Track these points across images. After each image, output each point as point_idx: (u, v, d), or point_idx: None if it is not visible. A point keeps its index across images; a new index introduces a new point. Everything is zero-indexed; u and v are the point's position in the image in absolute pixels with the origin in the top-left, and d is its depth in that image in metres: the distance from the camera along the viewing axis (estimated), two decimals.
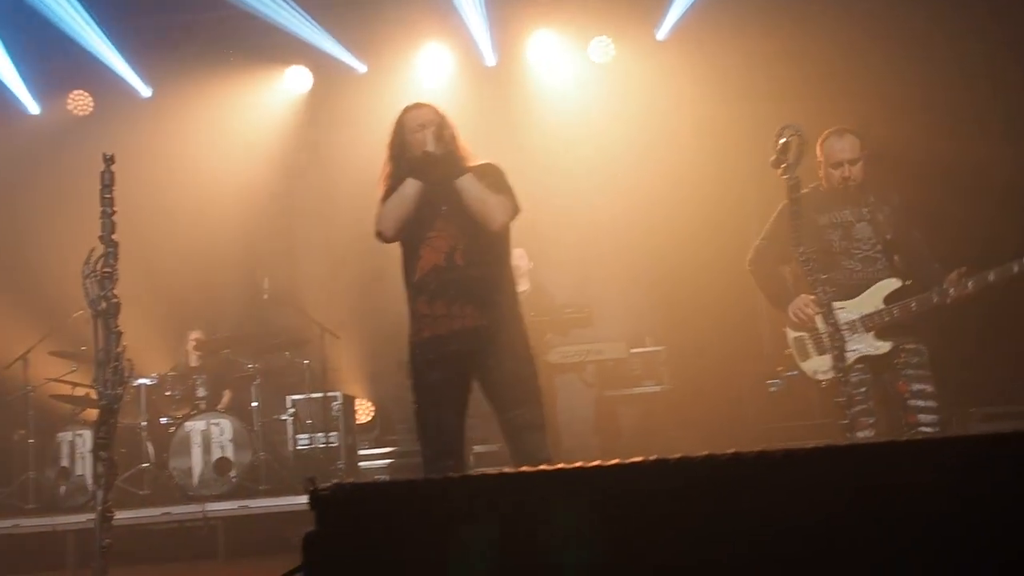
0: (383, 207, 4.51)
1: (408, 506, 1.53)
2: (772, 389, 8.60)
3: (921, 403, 5.36)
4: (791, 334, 5.74)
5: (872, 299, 5.48)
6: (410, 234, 4.50)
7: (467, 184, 4.43)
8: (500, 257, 4.57)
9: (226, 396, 9.07)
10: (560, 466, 1.52)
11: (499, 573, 1.50)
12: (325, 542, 1.51)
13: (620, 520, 1.48)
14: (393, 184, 4.57)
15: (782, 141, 4.83)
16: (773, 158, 4.88)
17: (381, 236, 4.54)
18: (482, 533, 1.48)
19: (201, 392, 8.88)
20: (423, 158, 4.44)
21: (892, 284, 5.48)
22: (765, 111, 8.86)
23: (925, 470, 1.64)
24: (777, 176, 4.91)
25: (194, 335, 9.17)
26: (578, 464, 1.52)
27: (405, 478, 1.68)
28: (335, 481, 1.52)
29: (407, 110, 4.72)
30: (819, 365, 5.52)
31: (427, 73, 10.05)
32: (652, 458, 1.52)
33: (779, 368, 8.17)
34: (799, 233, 4.87)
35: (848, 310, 5.43)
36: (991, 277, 5.26)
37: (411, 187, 4.42)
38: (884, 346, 5.45)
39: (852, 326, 5.43)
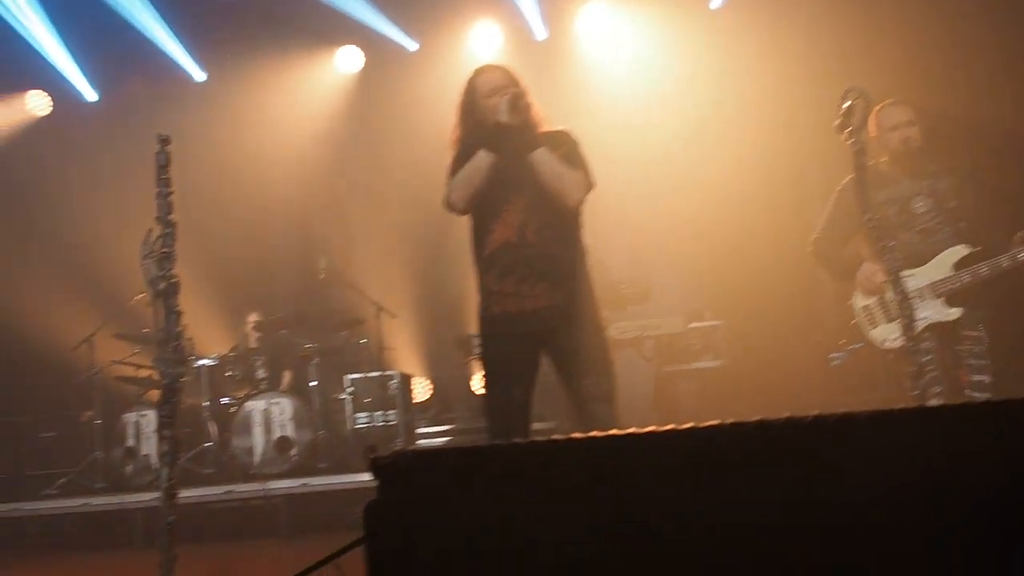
0: (454, 178, 4.37)
1: (469, 473, 1.52)
2: (834, 363, 8.52)
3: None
4: (858, 303, 5.73)
5: (941, 266, 5.45)
6: (482, 207, 4.37)
7: (542, 159, 4.28)
8: (573, 232, 4.44)
9: (286, 376, 9.16)
10: (625, 431, 1.50)
11: (561, 538, 1.48)
12: (387, 511, 1.51)
13: (677, 484, 1.45)
14: (462, 150, 4.44)
15: (846, 104, 4.72)
16: (837, 122, 4.77)
17: (452, 208, 4.42)
18: (543, 499, 1.47)
19: (261, 372, 8.97)
20: (496, 130, 4.29)
21: (961, 251, 5.42)
22: (824, 78, 8.72)
23: (985, 435, 1.60)
24: (841, 142, 4.81)
25: (252, 317, 9.26)
26: (646, 428, 1.50)
27: (466, 445, 1.66)
28: (396, 449, 1.51)
29: (479, 72, 4.55)
30: (888, 333, 5.52)
31: (477, 49, 10.00)
32: (723, 422, 1.49)
33: (842, 341, 8.06)
34: (866, 200, 4.76)
35: (917, 277, 5.41)
36: None
37: (484, 160, 4.27)
38: (954, 312, 5.41)
39: (920, 293, 5.41)
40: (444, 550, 1.50)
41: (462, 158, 4.41)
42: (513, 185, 4.33)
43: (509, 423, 4.23)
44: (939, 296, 5.42)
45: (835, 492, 1.54)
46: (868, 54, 8.59)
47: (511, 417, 4.26)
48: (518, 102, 4.28)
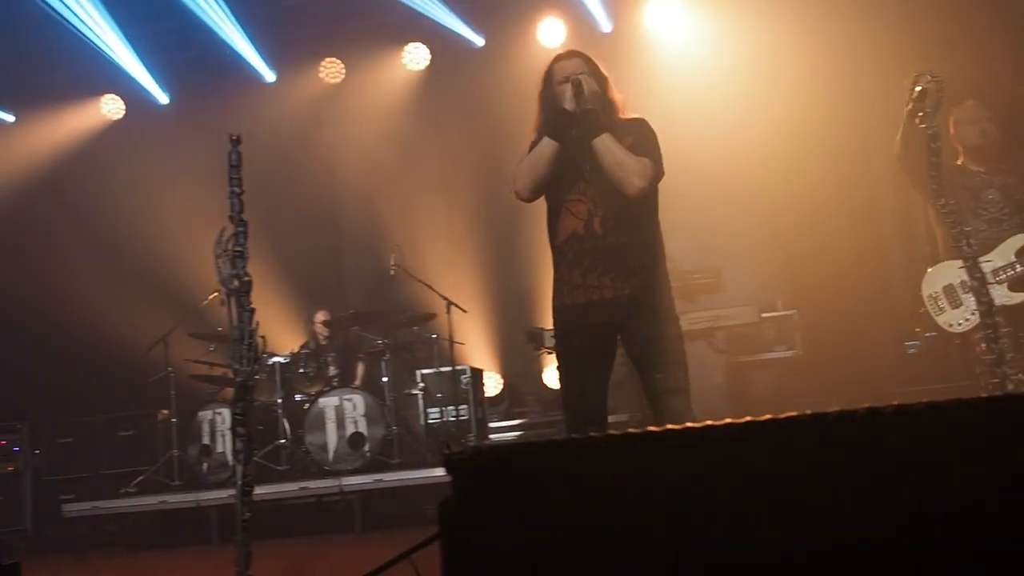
0: (519, 166, 4.34)
1: (546, 468, 1.48)
2: (911, 351, 8.42)
3: None
4: (926, 292, 5.87)
5: (1005, 253, 5.55)
6: (552, 194, 4.33)
7: (603, 146, 4.18)
8: (642, 221, 4.32)
9: (359, 372, 9.22)
10: (702, 423, 1.45)
11: (639, 533, 1.44)
12: (461, 507, 1.47)
13: (757, 477, 1.40)
14: (536, 138, 4.40)
15: (918, 88, 4.63)
16: (909, 107, 4.70)
17: (517, 195, 4.36)
18: (622, 493, 1.43)
19: (333, 369, 9.03)
20: (559, 117, 4.25)
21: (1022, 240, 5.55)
22: (897, 62, 8.54)
23: None
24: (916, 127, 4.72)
25: (320, 315, 9.31)
26: (724, 420, 1.45)
27: (542, 440, 1.64)
28: (471, 444, 1.47)
29: (556, 59, 4.48)
30: (953, 318, 5.73)
31: (543, 44, 9.94)
32: (802, 413, 1.44)
33: (917, 329, 7.93)
34: (940, 185, 4.67)
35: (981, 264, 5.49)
36: None
37: (547, 147, 4.24)
38: (1018, 296, 5.50)
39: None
40: (521, 546, 1.46)
41: (533, 143, 4.38)
42: (583, 173, 4.28)
43: (585, 416, 4.19)
44: (1001, 283, 5.50)
45: (923, 484, 1.47)
46: (939, 37, 8.39)
47: (586, 409, 4.22)
48: (581, 89, 4.21)
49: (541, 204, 4.51)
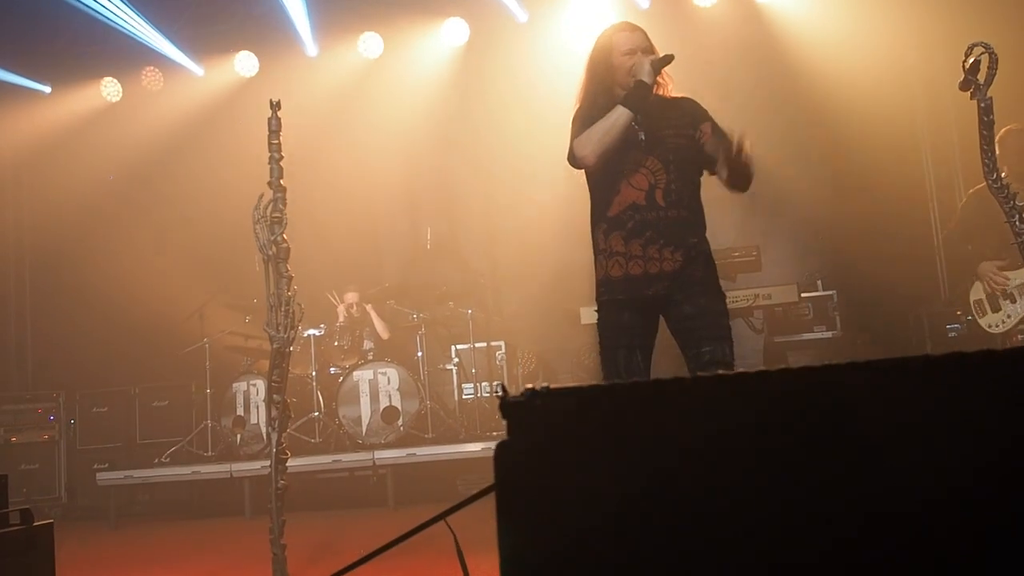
0: (586, 133, 4.19)
1: (602, 411, 1.42)
2: (952, 334, 8.29)
3: None
4: (972, 297, 6.66)
5: None
6: (608, 165, 4.23)
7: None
8: (697, 196, 4.31)
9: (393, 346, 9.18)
10: (758, 370, 1.38)
11: (692, 476, 1.38)
12: (517, 451, 1.42)
13: (818, 424, 1.34)
14: (588, 106, 4.32)
15: (971, 61, 4.52)
16: (962, 79, 4.58)
17: (580, 162, 4.23)
18: (684, 438, 1.37)
19: (367, 343, 9.01)
20: (639, 89, 4.16)
21: None
22: (942, 41, 8.39)
23: None
24: (959, 104, 4.64)
25: (350, 296, 9.25)
26: (778, 367, 1.38)
27: (602, 383, 1.59)
28: (528, 387, 1.41)
29: (618, 30, 4.39)
30: (993, 320, 6.53)
31: (583, 20, 9.82)
32: (858, 360, 1.38)
33: (958, 312, 7.82)
34: (992, 160, 4.56)
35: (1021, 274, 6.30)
36: None
37: (623, 117, 4.13)
38: None
39: (1020, 290, 6.34)
40: (576, 490, 1.40)
41: (589, 113, 4.29)
42: (640, 144, 4.22)
43: None
44: None
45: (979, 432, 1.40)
46: (983, 12, 8.23)
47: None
48: (662, 65, 4.19)
49: (578, 180, 4.46)
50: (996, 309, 6.53)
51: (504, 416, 1.42)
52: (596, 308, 4.33)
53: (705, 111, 4.37)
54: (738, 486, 1.37)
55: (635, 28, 4.40)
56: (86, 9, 9.32)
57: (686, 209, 4.21)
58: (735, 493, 1.35)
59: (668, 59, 4.20)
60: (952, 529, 1.34)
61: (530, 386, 1.42)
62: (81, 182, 10.48)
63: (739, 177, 4.15)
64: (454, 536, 2.51)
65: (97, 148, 10.47)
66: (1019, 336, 6.42)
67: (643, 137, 4.22)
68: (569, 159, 4.29)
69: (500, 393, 1.44)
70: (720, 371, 4.03)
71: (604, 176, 4.26)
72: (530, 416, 1.41)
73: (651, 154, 4.21)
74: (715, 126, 4.28)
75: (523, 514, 1.37)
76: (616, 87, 4.30)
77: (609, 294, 4.24)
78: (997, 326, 6.50)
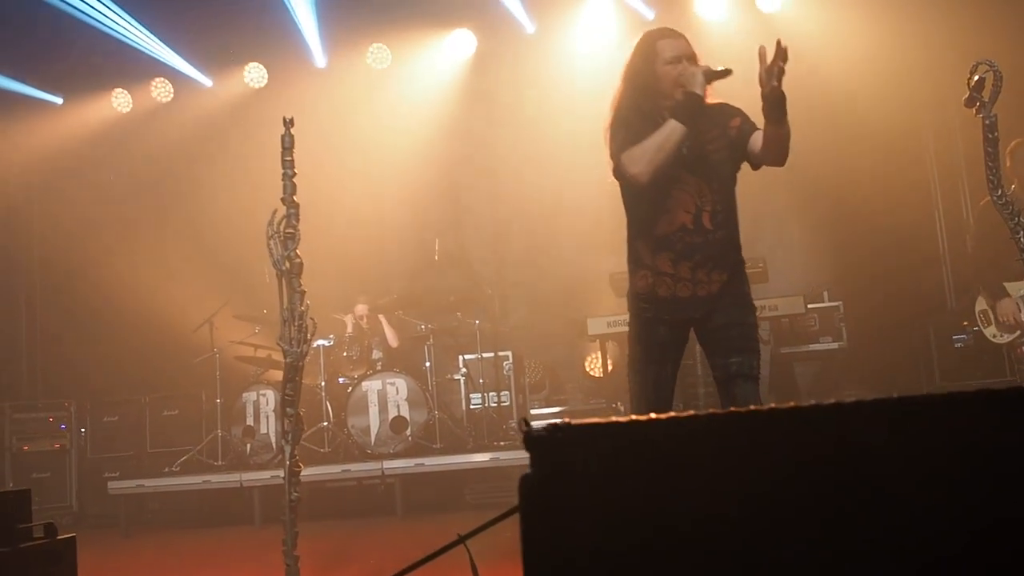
0: (638, 148, 3.99)
1: (627, 447, 1.47)
2: (958, 344, 8.35)
3: None
4: (978, 308, 6.74)
5: None
6: (655, 181, 4.05)
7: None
8: (736, 207, 4.23)
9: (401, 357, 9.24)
10: (787, 405, 1.44)
11: (720, 514, 1.43)
12: (540, 484, 1.47)
13: (860, 459, 1.39)
14: (628, 114, 4.14)
15: (976, 78, 4.58)
16: (966, 96, 4.64)
17: (633, 180, 4.02)
18: (707, 475, 1.42)
19: (376, 353, 9.07)
20: (690, 100, 3.98)
21: None
22: (949, 53, 8.44)
23: None
24: (964, 118, 4.71)
25: (359, 308, 9.30)
26: (809, 403, 1.44)
27: (623, 419, 1.61)
28: (551, 422, 1.47)
29: (662, 36, 4.19)
30: (995, 331, 6.62)
31: (590, 31, 9.87)
32: (879, 397, 1.43)
33: (965, 323, 7.89)
34: (997, 176, 4.63)
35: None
36: None
37: (676, 132, 3.94)
38: None
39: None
40: (598, 523, 1.46)
41: (627, 123, 4.12)
42: (687, 163, 4.09)
43: (658, 404, 4.14)
44: None
45: (986, 471, 1.46)
46: (990, 29, 8.29)
47: (661, 398, 4.17)
48: (716, 78, 4.05)
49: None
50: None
51: (528, 449, 1.48)
52: (629, 319, 4.27)
53: (736, 108, 4.22)
54: (765, 522, 1.42)
55: (678, 35, 4.23)
56: (96, 23, 9.41)
57: (729, 228, 4.16)
58: (760, 529, 1.41)
59: (726, 73, 4.03)
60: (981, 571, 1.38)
61: (553, 421, 1.47)
62: (91, 192, 10.57)
63: (774, 143, 3.99)
64: (470, 557, 2.57)
65: (107, 159, 10.57)
66: (1020, 346, 6.53)
67: (685, 151, 4.05)
68: (616, 174, 4.12)
69: (525, 428, 1.50)
70: (744, 383, 4.12)
71: (649, 192, 4.11)
72: (553, 449, 1.46)
73: (695, 173, 4.10)
74: (745, 120, 4.16)
75: (548, 545, 1.42)
76: (660, 96, 4.12)
77: (654, 311, 4.18)
78: (1002, 336, 6.59)
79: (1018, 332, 6.44)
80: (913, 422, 1.47)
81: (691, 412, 1.46)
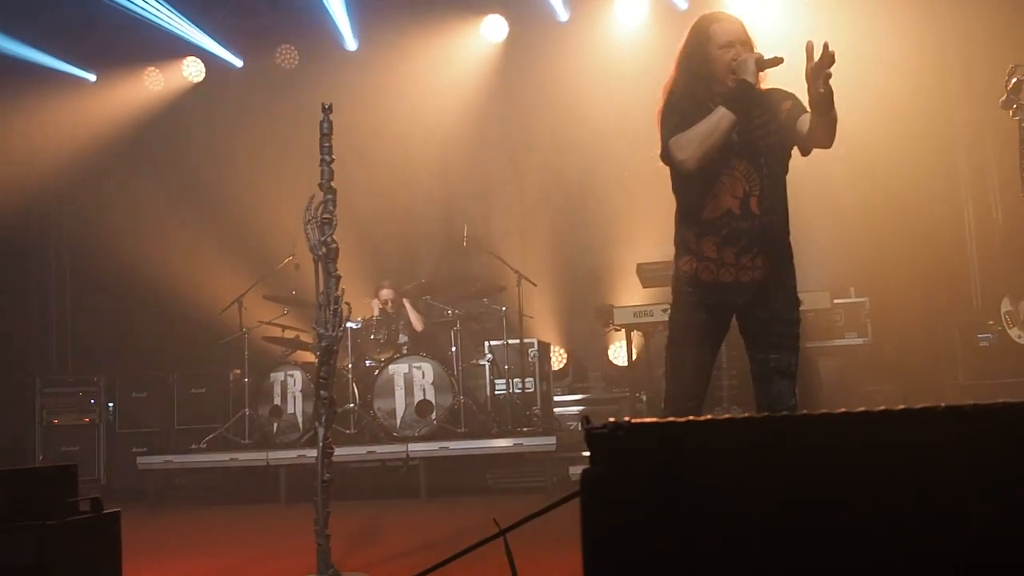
0: (686, 135, 3.98)
1: (688, 446, 1.53)
2: (983, 343, 8.35)
3: None
4: (1003, 309, 6.98)
5: None
6: (702, 168, 4.03)
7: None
8: (785, 194, 4.21)
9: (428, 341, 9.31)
10: (856, 410, 1.48)
11: (782, 516, 1.49)
12: (601, 480, 1.53)
13: (909, 464, 1.44)
14: (680, 100, 4.13)
15: (1014, 80, 4.61)
16: (1003, 98, 4.68)
17: (681, 166, 4.02)
18: (767, 476, 1.48)
19: (403, 337, 9.15)
20: (742, 88, 3.96)
21: None
22: (980, 52, 8.45)
23: None
24: (998, 119, 4.73)
25: (384, 293, 9.36)
26: (859, 409, 1.49)
27: (683, 419, 1.65)
28: (612, 419, 1.53)
29: (715, 19, 4.17)
30: (1019, 331, 6.96)
31: (624, 19, 9.87)
32: (938, 405, 1.47)
33: (991, 322, 7.89)
34: None
35: None
36: None
37: (725, 120, 3.92)
38: None
39: None
40: (655, 521, 1.52)
41: (678, 108, 4.09)
42: (736, 149, 4.07)
43: (693, 388, 4.16)
44: None
45: None
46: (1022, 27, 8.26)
47: (697, 384, 4.19)
48: (768, 66, 4.03)
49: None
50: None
51: (589, 446, 1.54)
52: (672, 301, 4.29)
53: (787, 92, 4.18)
54: (819, 526, 1.46)
55: (733, 19, 4.20)
56: (127, 4, 9.49)
57: (777, 215, 4.13)
58: (831, 534, 1.45)
59: (777, 61, 4.01)
60: None
61: (613, 419, 1.53)
62: (123, 169, 10.68)
63: (821, 129, 3.93)
64: (508, 549, 2.63)
65: (141, 137, 10.65)
66: None
67: (735, 137, 4.04)
68: (663, 158, 4.12)
69: (587, 424, 1.56)
70: (780, 380, 4.13)
71: (697, 177, 4.10)
72: (613, 447, 1.52)
73: (745, 158, 4.08)
74: (796, 104, 4.10)
75: (608, 539, 1.48)
76: (713, 81, 4.11)
77: (697, 296, 4.19)
78: (1021, 337, 6.86)
79: None
80: (989, 431, 1.48)
81: (747, 414, 1.52)
